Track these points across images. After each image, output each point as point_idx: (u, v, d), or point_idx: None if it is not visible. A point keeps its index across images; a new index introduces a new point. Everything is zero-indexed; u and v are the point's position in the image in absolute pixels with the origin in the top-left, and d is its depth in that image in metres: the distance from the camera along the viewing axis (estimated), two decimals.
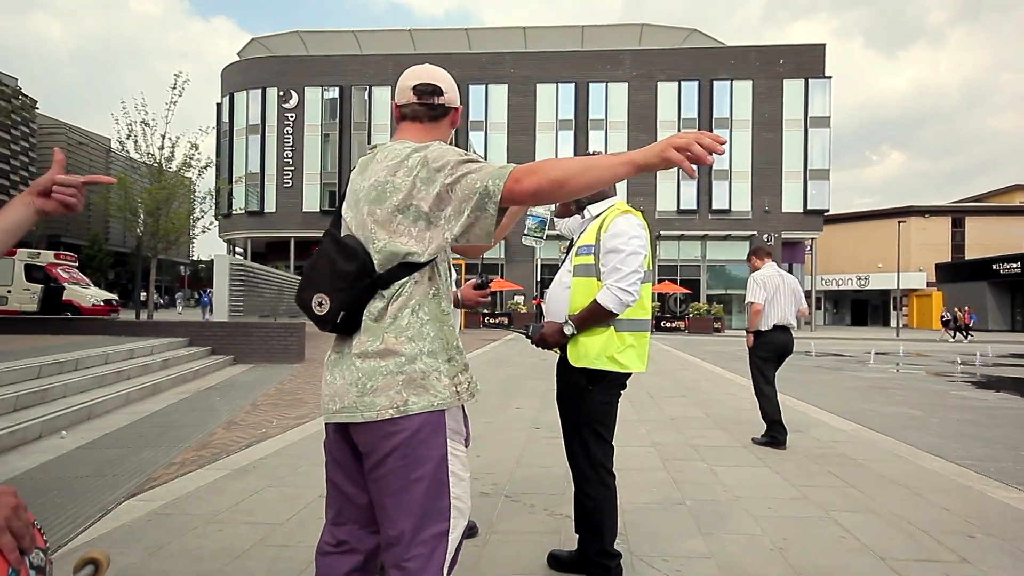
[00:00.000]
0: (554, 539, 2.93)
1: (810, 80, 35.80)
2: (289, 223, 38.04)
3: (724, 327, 32.50)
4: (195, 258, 67.34)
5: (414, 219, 1.37)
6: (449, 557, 1.42)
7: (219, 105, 40.80)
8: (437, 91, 1.54)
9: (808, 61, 36.00)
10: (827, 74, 36.06)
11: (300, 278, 1.51)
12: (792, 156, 35.91)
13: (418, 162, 1.37)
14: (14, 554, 0.85)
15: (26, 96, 18.28)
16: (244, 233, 38.81)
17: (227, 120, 39.66)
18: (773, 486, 3.89)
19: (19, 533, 0.86)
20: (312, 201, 38.07)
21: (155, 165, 16.68)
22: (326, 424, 1.51)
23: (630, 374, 2.37)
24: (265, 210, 38.46)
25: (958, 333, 29.56)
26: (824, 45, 36.32)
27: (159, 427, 5.59)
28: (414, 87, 1.54)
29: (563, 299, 2.38)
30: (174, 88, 16.69)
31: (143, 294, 19.61)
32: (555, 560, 2.62)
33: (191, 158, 17.32)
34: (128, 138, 16.43)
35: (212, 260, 13.22)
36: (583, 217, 2.49)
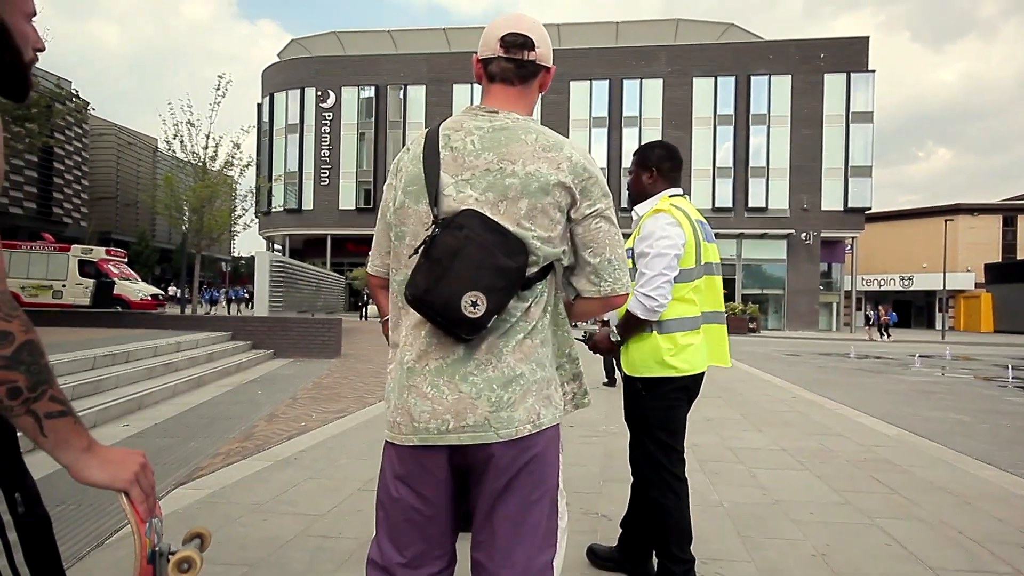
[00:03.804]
0: (591, 537, 2.93)
1: (852, 74, 34.74)
2: (326, 220, 38.76)
3: (760, 327, 31.88)
4: (236, 254, 69.16)
5: (564, 218, 1.27)
6: None
7: (259, 105, 41.79)
8: (528, 44, 1.29)
9: (851, 55, 34.95)
10: (871, 68, 34.96)
11: (422, 265, 1.19)
12: (832, 153, 34.95)
13: (584, 169, 1.27)
14: (143, 505, 0.94)
15: (80, 99, 19.11)
16: (282, 230, 39.69)
17: (267, 120, 40.60)
18: (814, 490, 3.82)
19: (146, 491, 0.95)
20: (348, 199, 38.70)
21: (199, 164, 17.20)
22: (411, 448, 1.23)
23: (697, 375, 2.30)
24: (303, 208, 39.26)
25: (880, 331, 29.02)
26: (867, 38, 35.21)
27: (205, 418, 5.78)
28: (502, 37, 1.29)
29: None
30: (217, 89, 17.19)
31: (187, 289, 20.23)
32: (593, 555, 2.65)
33: (233, 157, 17.80)
34: (175, 138, 16.98)
35: (252, 256, 13.59)
36: (635, 216, 2.46)
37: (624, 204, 2.39)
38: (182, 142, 17.05)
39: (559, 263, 1.32)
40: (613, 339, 2.31)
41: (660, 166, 2.41)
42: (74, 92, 20.31)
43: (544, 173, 1.22)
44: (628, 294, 1.31)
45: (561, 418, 1.31)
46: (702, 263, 2.32)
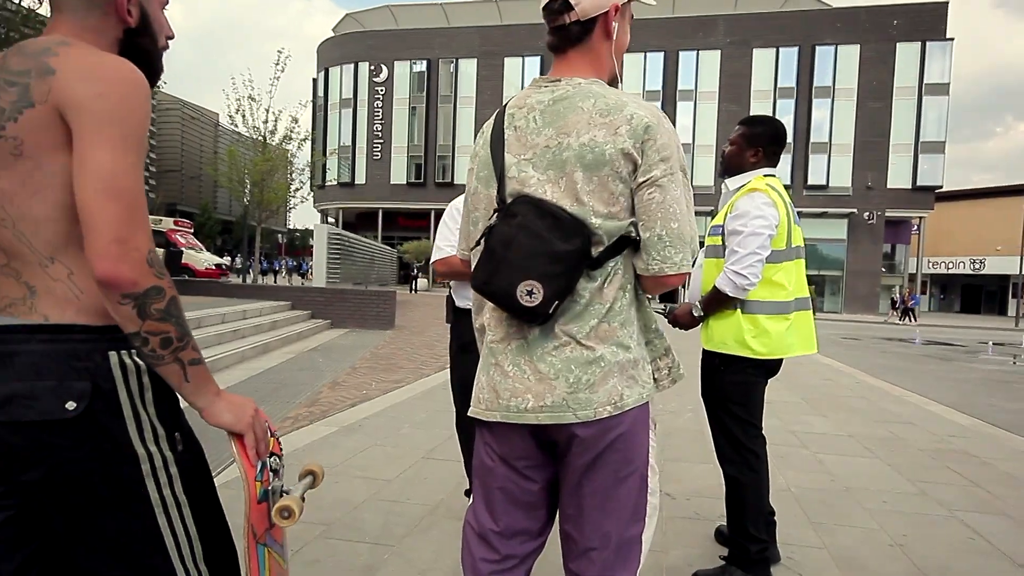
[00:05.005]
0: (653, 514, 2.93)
1: (928, 43, 32.56)
2: (378, 194, 39.37)
3: (816, 309, 30.88)
4: (291, 227, 71.20)
5: (628, 188, 1.18)
6: (643, 558, 1.32)
7: (315, 80, 42.47)
8: (564, 6, 1.18)
9: (927, 21, 32.72)
10: (948, 36, 32.67)
11: (482, 257, 1.19)
12: (902, 127, 33.04)
13: (646, 129, 1.15)
14: (253, 451, 1.05)
15: None
16: (336, 204, 40.55)
17: (322, 95, 41.27)
18: (886, 479, 3.70)
19: (258, 435, 1.06)
20: (399, 173, 39.15)
21: (260, 138, 17.67)
22: (492, 424, 1.25)
23: (776, 360, 2.26)
24: (356, 182, 39.96)
25: (905, 315, 28.13)
26: (946, 3, 32.81)
27: (272, 384, 6.03)
28: (543, 7, 1.20)
29: (699, 278, 2.38)
30: (277, 64, 17.55)
31: (248, 260, 21.03)
32: (721, 535, 2.67)
33: (292, 131, 18.21)
34: (237, 112, 17.47)
35: (308, 229, 13.98)
36: (725, 189, 2.42)
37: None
38: (244, 116, 17.54)
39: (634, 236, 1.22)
40: (696, 314, 2.29)
41: (768, 148, 2.35)
42: None
43: (599, 142, 1.14)
44: (682, 274, 1.19)
45: (652, 396, 1.27)
46: (792, 246, 2.27)
